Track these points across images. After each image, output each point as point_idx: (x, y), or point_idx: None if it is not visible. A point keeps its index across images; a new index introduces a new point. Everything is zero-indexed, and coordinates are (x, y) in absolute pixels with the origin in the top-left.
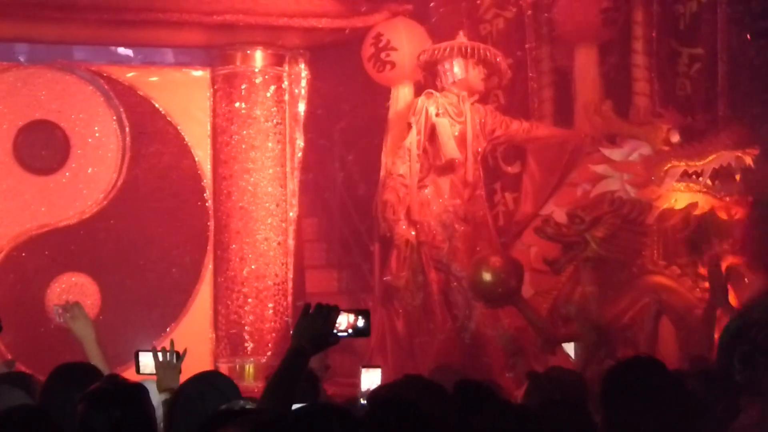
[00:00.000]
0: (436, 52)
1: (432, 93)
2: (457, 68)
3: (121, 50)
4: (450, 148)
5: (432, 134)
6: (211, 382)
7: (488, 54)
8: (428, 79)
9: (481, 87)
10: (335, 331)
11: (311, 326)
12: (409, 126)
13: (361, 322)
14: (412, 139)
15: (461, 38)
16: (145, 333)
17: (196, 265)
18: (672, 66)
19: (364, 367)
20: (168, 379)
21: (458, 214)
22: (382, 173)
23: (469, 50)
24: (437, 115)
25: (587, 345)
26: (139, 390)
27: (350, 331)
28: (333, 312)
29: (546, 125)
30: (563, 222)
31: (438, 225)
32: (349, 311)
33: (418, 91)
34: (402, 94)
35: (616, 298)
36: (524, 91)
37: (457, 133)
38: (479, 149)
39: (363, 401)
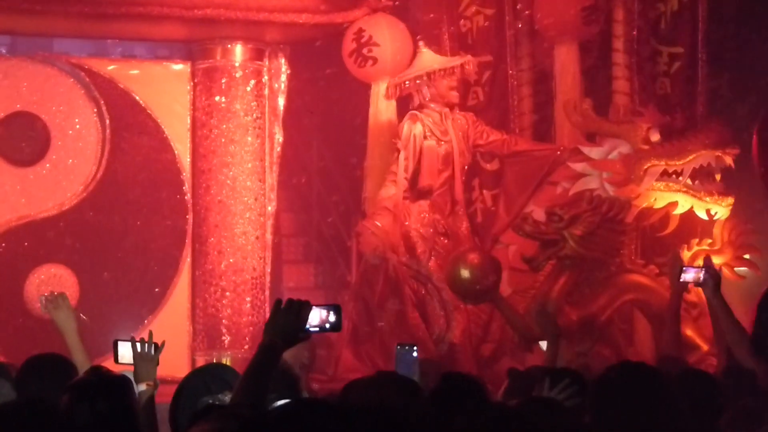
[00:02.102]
0: (403, 85)
1: (416, 115)
2: (425, 91)
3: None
4: (429, 174)
5: (421, 157)
6: (216, 374)
7: (452, 67)
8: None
9: (455, 97)
10: (307, 326)
11: (283, 321)
12: (397, 150)
13: (332, 317)
14: (401, 164)
15: (421, 49)
16: (123, 325)
17: (174, 258)
18: (652, 65)
19: (399, 345)
20: (145, 371)
21: (438, 229)
22: (366, 187)
23: (431, 76)
24: (425, 137)
25: (549, 340)
26: (124, 382)
27: (322, 326)
28: (304, 307)
29: (525, 138)
30: (542, 220)
31: (418, 238)
32: (320, 306)
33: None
34: (383, 90)
35: (594, 297)
36: (504, 88)
37: (443, 152)
38: (465, 166)
39: None
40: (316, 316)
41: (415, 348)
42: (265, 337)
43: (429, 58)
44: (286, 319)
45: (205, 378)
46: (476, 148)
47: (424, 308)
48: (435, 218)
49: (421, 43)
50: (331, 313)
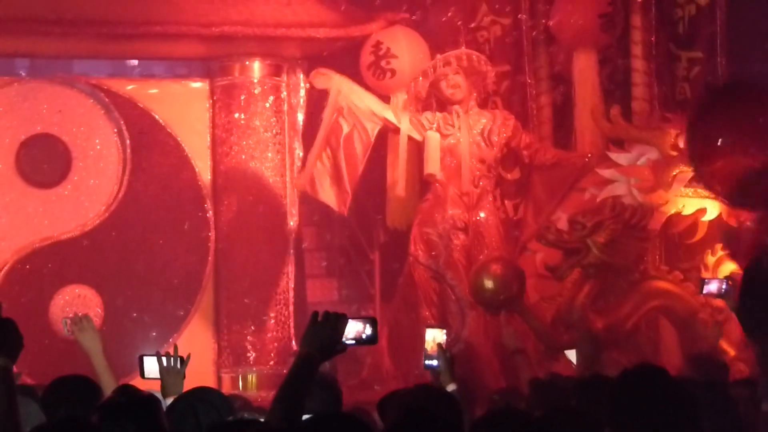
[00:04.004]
0: (414, 90)
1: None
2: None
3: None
4: (432, 163)
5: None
6: (201, 397)
7: (465, 60)
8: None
9: (458, 94)
10: (343, 339)
11: (319, 334)
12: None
13: (368, 330)
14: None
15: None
16: (148, 343)
17: (197, 276)
18: (671, 70)
19: (428, 327)
20: (172, 385)
21: (457, 224)
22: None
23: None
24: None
25: (584, 355)
26: (153, 402)
27: (358, 338)
28: (341, 320)
29: (550, 145)
30: (565, 228)
31: (435, 235)
32: (357, 319)
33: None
34: (401, 102)
35: (619, 304)
36: (522, 97)
37: (446, 145)
38: (485, 158)
39: (426, 362)
40: (353, 329)
41: (444, 331)
42: (302, 349)
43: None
44: (323, 331)
45: (190, 401)
46: (510, 145)
47: (444, 308)
48: (454, 213)
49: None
50: (368, 325)
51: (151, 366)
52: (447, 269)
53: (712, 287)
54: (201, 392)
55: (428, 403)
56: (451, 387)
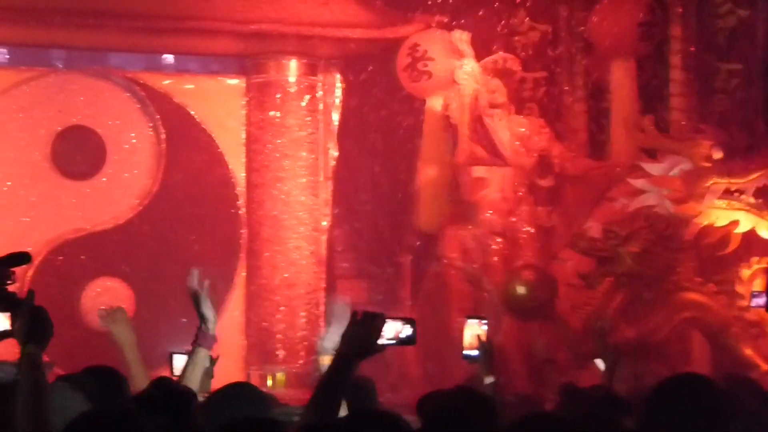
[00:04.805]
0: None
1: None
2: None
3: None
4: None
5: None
6: (239, 392)
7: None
8: None
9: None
10: (381, 339)
11: (357, 334)
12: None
13: (407, 331)
14: None
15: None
16: (177, 338)
17: (228, 273)
18: (710, 81)
19: (469, 317)
20: (201, 383)
21: (495, 228)
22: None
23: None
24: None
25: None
26: (188, 396)
27: (396, 339)
28: (379, 320)
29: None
30: (598, 236)
31: (471, 238)
32: (395, 319)
33: None
34: (437, 105)
35: (650, 314)
36: (559, 104)
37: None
38: (523, 165)
39: (465, 352)
40: (391, 329)
41: (485, 321)
42: (340, 348)
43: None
44: (361, 331)
45: (228, 397)
46: (543, 153)
47: (476, 312)
48: (491, 217)
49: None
50: (407, 326)
51: (181, 363)
52: (483, 273)
53: (761, 300)
54: (238, 387)
55: (466, 405)
56: (489, 379)
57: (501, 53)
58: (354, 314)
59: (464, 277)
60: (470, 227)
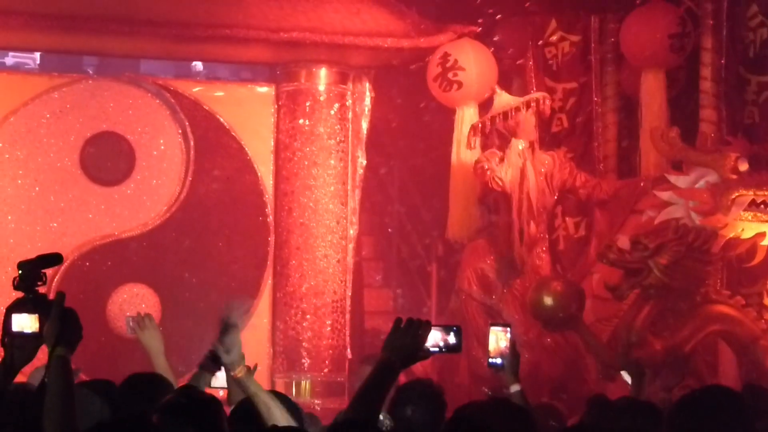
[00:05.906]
0: (481, 126)
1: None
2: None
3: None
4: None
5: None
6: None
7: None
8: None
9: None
10: (426, 346)
11: (401, 340)
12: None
13: (452, 339)
14: None
15: (497, 91)
16: (204, 346)
17: (255, 280)
18: (740, 94)
19: (492, 324)
20: (237, 394)
21: (514, 266)
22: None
23: (507, 115)
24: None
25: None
26: (214, 404)
27: (441, 347)
28: (424, 327)
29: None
30: (626, 248)
31: (491, 271)
32: (440, 327)
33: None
34: (467, 115)
35: (678, 327)
36: (589, 115)
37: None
38: (546, 204)
39: (491, 360)
40: (436, 337)
41: (509, 328)
42: (383, 355)
43: (505, 99)
44: (405, 338)
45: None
46: (566, 188)
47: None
48: (511, 251)
49: (496, 87)
50: (452, 334)
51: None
52: (503, 307)
53: None
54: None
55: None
56: (515, 387)
57: (542, 93)
58: (398, 320)
59: (483, 310)
60: (488, 260)
